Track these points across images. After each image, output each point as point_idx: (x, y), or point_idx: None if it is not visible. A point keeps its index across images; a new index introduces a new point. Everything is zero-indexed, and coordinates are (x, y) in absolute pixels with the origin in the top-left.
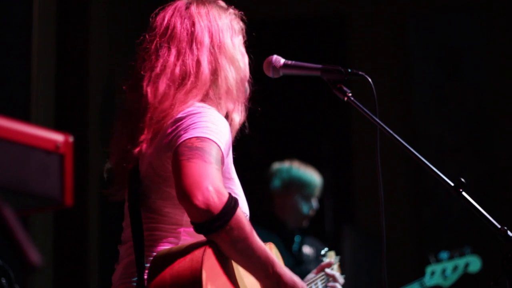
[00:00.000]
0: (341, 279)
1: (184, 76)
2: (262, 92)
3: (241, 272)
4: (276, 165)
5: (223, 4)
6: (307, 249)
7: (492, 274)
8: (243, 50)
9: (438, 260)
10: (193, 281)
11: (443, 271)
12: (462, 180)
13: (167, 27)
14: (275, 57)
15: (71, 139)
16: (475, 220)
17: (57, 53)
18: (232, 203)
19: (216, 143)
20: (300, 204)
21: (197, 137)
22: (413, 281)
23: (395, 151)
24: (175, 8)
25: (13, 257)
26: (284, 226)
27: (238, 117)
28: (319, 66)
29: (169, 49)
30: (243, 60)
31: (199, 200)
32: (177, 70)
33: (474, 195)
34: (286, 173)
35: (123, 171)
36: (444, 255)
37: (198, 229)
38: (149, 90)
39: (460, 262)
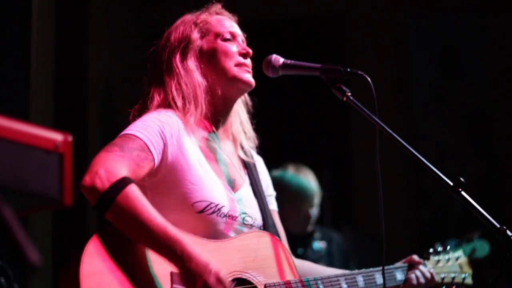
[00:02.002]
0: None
1: (144, 103)
2: (261, 91)
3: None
4: (271, 173)
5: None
6: (320, 244)
7: (491, 273)
8: (207, 49)
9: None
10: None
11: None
12: (461, 179)
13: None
14: (274, 56)
15: (70, 138)
16: (474, 219)
17: (56, 53)
18: (121, 182)
19: (136, 136)
20: (295, 216)
21: (120, 135)
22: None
23: (394, 151)
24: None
25: (13, 256)
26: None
27: (193, 117)
28: (318, 65)
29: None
30: (198, 66)
31: (86, 181)
32: (142, 100)
33: (473, 194)
34: (279, 183)
35: None
36: (451, 243)
37: (96, 212)
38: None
39: (466, 248)
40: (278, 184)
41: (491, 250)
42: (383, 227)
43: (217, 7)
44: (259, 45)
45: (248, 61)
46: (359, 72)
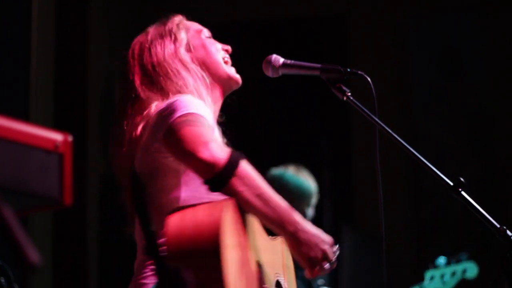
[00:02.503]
0: None
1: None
2: (262, 91)
3: (260, 245)
4: (271, 172)
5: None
6: None
7: (492, 275)
8: (195, 44)
9: (436, 266)
10: (212, 237)
11: (442, 276)
12: (461, 179)
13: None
14: (274, 56)
15: (70, 138)
16: (474, 219)
17: (56, 53)
18: (235, 154)
19: (199, 114)
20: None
21: (180, 115)
22: (413, 286)
23: (394, 151)
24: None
25: (13, 256)
26: None
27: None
28: (318, 65)
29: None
30: (197, 59)
31: (204, 153)
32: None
33: (473, 194)
34: (278, 181)
35: (122, 175)
36: (441, 261)
37: (210, 185)
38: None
39: (458, 268)
40: (277, 182)
41: (491, 252)
42: (383, 227)
43: (182, 16)
44: (259, 45)
45: (228, 57)
46: (359, 72)
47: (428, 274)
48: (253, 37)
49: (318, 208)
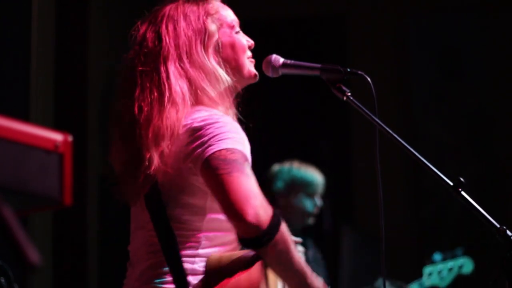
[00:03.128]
0: None
1: (161, 94)
2: (261, 91)
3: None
4: (277, 167)
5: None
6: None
7: (491, 274)
8: (225, 43)
9: (432, 262)
10: None
11: (440, 272)
12: (461, 179)
13: (141, 45)
14: (274, 56)
15: (70, 138)
16: (474, 219)
17: (56, 52)
18: (277, 217)
19: (244, 153)
20: (304, 202)
21: (227, 149)
22: (412, 282)
23: (394, 151)
24: (150, 21)
25: (12, 256)
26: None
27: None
28: (318, 65)
29: (144, 68)
30: (219, 61)
31: (250, 216)
32: (154, 89)
33: (473, 194)
34: (287, 173)
35: (132, 184)
36: (437, 257)
37: (247, 244)
38: (127, 111)
39: (455, 263)
40: (286, 175)
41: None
42: (383, 227)
43: None
44: (259, 45)
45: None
46: (359, 72)
47: (426, 271)
48: (253, 36)
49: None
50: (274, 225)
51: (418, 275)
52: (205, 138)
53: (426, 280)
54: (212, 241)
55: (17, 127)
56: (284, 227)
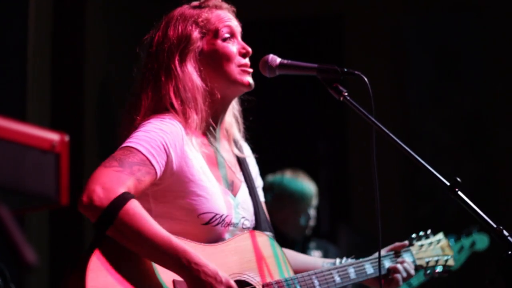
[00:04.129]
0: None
1: (136, 101)
2: (258, 91)
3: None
4: (269, 178)
5: (187, 9)
6: (315, 254)
7: (488, 275)
8: (208, 51)
9: None
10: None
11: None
12: (458, 179)
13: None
14: (271, 56)
15: (66, 138)
16: (471, 219)
17: (53, 52)
18: (121, 199)
19: (136, 149)
20: (295, 218)
21: (121, 147)
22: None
23: (391, 151)
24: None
25: (9, 256)
26: (285, 237)
27: (194, 123)
28: (315, 65)
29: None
30: (198, 68)
31: (84, 200)
32: (134, 98)
33: (469, 194)
34: (278, 187)
35: None
36: (450, 239)
37: (96, 229)
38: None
39: (466, 242)
40: (277, 188)
41: (488, 250)
42: (380, 227)
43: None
44: (256, 45)
45: (247, 61)
46: (356, 72)
47: None
48: (250, 37)
49: (316, 208)
50: (113, 206)
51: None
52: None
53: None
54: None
55: (14, 127)
56: (132, 208)
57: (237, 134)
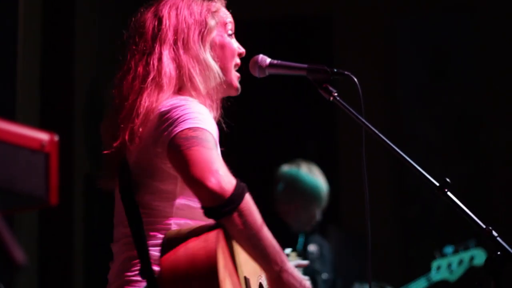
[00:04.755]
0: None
1: (146, 74)
2: (248, 91)
3: (243, 259)
4: (284, 168)
5: None
6: (312, 247)
7: (478, 276)
8: (218, 42)
9: (443, 255)
10: (208, 261)
11: (449, 265)
12: (447, 180)
13: (139, 26)
14: (261, 56)
15: (56, 138)
16: (460, 220)
17: (43, 52)
18: (241, 187)
19: (208, 131)
20: (302, 213)
21: (189, 128)
22: (420, 277)
23: (381, 151)
24: (152, 6)
25: None
26: (288, 228)
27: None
28: (305, 65)
29: (136, 47)
30: (214, 57)
31: (212, 183)
32: (140, 68)
33: (459, 195)
34: (291, 179)
35: (111, 166)
36: (449, 249)
37: (209, 213)
38: (116, 89)
39: (465, 255)
40: (291, 180)
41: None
42: (369, 227)
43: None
44: (245, 45)
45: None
46: (346, 72)
47: (435, 264)
48: (240, 37)
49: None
50: (237, 194)
51: (405, 274)
52: (171, 121)
53: (434, 274)
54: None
55: (3, 127)
56: (249, 199)
57: None
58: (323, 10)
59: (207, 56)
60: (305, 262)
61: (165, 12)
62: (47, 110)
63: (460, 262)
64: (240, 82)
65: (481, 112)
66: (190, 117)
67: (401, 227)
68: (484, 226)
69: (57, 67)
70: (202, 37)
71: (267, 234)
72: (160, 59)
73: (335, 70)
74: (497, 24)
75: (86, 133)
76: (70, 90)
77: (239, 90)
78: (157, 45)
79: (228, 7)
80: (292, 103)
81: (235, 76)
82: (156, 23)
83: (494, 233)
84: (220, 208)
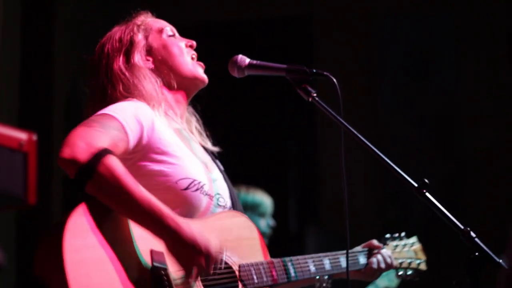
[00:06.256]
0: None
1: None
2: (228, 92)
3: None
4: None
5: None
6: None
7: (455, 276)
8: (157, 45)
9: None
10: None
11: (387, 274)
12: (426, 181)
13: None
14: (240, 56)
15: (35, 137)
16: (439, 220)
17: (22, 52)
18: (102, 153)
19: (113, 116)
20: (257, 223)
21: (97, 114)
22: (369, 284)
23: (361, 152)
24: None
25: None
26: None
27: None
28: (284, 66)
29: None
30: (155, 61)
31: (65, 153)
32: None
33: (439, 195)
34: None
35: None
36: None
37: (74, 185)
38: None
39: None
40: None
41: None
42: (348, 227)
43: (147, 13)
44: (225, 46)
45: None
46: (325, 73)
47: None
48: (219, 37)
49: (284, 208)
50: (94, 160)
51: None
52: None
53: (380, 280)
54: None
55: None
56: (112, 163)
57: (199, 127)
58: (303, 10)
59: (139, 65)
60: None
61: (102, 48)
62: (26, 109)
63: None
64: (220, 83)
65: (460, 113)
66: (108, 107)
67: (381, 227)
68: (462, 227)
69: (37, 66)
70: (129, 52)
71: (140, 197)
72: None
73: (314, 70)
74: (476, 26)
75: (65, 133)
76: (49, 89)
77: (205, 80)
78: (102, 71)
79: (195, 5)
80: (272, 104)
81: (195, 67)
82: (103, 61)
83: (472, 234)
84: (78, 177)
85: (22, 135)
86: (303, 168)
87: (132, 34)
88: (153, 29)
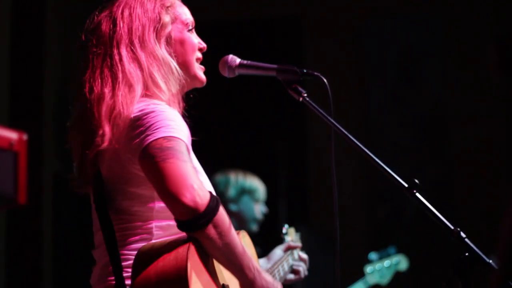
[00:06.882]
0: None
1: (114, 77)
2: (217, 92)
3: (220, 268)
4: (221, 176)
5: None
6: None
7: (445, 276)
8: (176, 38)
9: (371, 261)
10: (179, 279)
11: (379, 270)
12: (416, 181)
13: (95, 28)
14: (230, 56)
15: (25, 137)
16: (429, 220)
17: (12, 51)
18: (215, 201)
19: (181, 140)
20: (253, 208)
21: (164, 138)
22: (356, 281)
23: (351, 151)
24: (107, 8)
25: None
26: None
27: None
28: (275, 66)
29: (96, 50)
30: (171, 52)
31: (187, 198)
32: (106, 70)
33: (429, 195)
34: (236, 181)
35: (84, 175)
36: (373, 256)
37: (182, 226)
38: (82, 94)
39: (391, 261)
40: (234, 184)
41: (444, 251)
42: (338, 228)
43: None
44: (215, 46)
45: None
46: (315, 73)
47: (368, 269)
48: (209, 37)
49: (273, 208)
50: (211, 208)
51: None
52: (143, 128)
53: (370, 278)
54: (166, 231)
55: None
56: (222, 211)
57: None
58: (292, 11)
59: (163, 52)
60: (305, 256)
61: (118, 13)
62: (16, 109)
63: (389, 267)
64: (210, 83)
65: (449, 114)
66: (163, 124)
67: (371, 228)
68: (452, 227)
69: (26, 66)
70: (157, 33)
71: (239, 243)
72: (121, 60)
73: (305, 71)
74: (465, 27)
75: (55, 132)
76: (39, 89)
77: (204, 82)
78: (115, 47)
79: (186, 5)
80: (262, 104)
81: (198, 69)
82: (111, 25)
83: (462, 234)
84: (194, 222)
85: (12, 135)
86: (292, 168)
87: (160, 13)
88: (180, 19)
